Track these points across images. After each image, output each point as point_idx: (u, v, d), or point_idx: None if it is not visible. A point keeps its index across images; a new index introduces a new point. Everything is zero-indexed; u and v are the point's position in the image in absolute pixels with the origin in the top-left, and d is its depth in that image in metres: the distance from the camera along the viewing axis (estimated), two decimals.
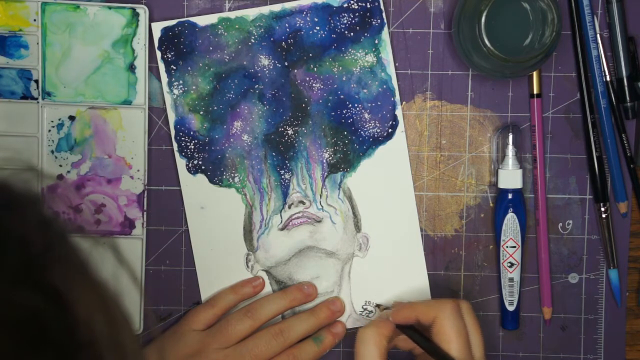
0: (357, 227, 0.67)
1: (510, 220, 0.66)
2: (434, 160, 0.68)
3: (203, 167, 0.66)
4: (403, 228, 0.67)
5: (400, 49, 0.67)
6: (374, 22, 0.64)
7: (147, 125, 0.66)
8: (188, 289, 0.68)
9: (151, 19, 0.66)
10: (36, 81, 0.65)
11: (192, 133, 0.65)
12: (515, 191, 0.66)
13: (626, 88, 0.66)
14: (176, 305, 0.68)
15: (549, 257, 0.68)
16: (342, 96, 0.65)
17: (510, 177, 0.66)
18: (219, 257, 0.67)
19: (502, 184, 0.66)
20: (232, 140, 0.65)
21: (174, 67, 0.65)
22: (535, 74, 0.66)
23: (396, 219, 0.67)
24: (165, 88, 0.65)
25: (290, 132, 0.65)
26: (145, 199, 0.66)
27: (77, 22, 0.65)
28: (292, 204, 0.66)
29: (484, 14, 0.60)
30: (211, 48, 0.65)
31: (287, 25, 0.64)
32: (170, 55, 0.65)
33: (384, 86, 0.65)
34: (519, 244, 0.67)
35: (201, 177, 0.66)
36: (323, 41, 0.65)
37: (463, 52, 0.64)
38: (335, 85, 0.65)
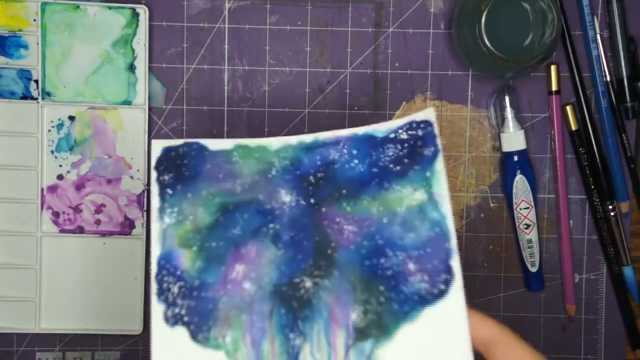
0: None
1: (520, 182, 0.66)
2: None
3: (185, 319, 0.50)
4: None
5: (400, 49, 0.67)
6: (425, 152, 0.52)
7: (147, 126, 0.66)
8: None
9: (151, 19, 0.66)
10: (36, 81, 0.65)
11: (178, 273, 0.51)
12: (520, 152, 0.66)
13: (626, 88, 0.66)
14: None
15: (572, 257, 0.68)
16: (380, 241, 0.51)
17: (513, 139, 0.66)
18: None
19: (506, 148, 0.66)
20: (229, 286, 0.51)
21: (170, 191, 0.53)
22: (553, 70, 0.66)
23: None
24: (155, 214, 0.53)
25: (308, 284, 0.50)
26: (145, 199, 0.67)
27: (77, 22, 0.65)
28: None
29: (484, 14, 0.60)
30: (221, 175, 0.53)
31: (318, 157, 0.53)
32: (167, 178, 0.53)
33: (437, 229, 0.51)
34: (532, 204, 0.67)
35: (181, 331, 0.50)
36: (362, 176, 0.52)
37: (463, 52, 0.64)
38: (373, 229, 0.51)
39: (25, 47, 0.65)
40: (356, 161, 0.53)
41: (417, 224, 0.51)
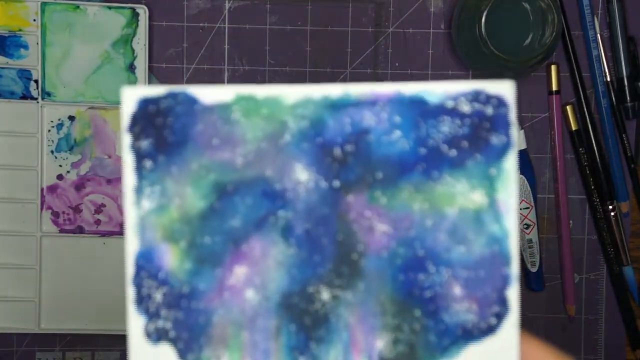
0: None
1: (520, 182, 0.66)
2: None
3: (172, 334, 0.40)
4: None
5: (400, 49, 0.67)
6: (493, 139, 0.39)
7: None
8: None
9: (151, 19, 0.66)
10: (36, 81, 0.65)
11: (161, 275, 0.41)
12: (520, 152, 0.66)
13: (626, 88, 0.66)
14: None
15: (571, 257, 0.68)
16: (421, 251, 0.41)
17: None
18: None
19: None
20: (226, 295, 0.41)
21: (149, 164, 0.40)
22: (553, 70, 0.66)
23: None
24: (130, 196, 0.40)
25: (325, 296, 0.41)
26: None
27: (77, 22, 0.65)
28: None
29: (484, 14, 0.60)
30: (216, 141, 0.40)
31: (348, 121, 0.40)
32: (145, 144, 0.40)
33: (495, 247, 0.40)
34: (532, 204, 0.67)
35: (166, 350, 0.40)
36: (404, 156, 0.40)
37: (463, 52, 0.64)
38: (413, 232, 0.41)
39: (25, 47, 0.65)
40: (398, 133, 0.40)
41: (470, 235, 0.40)
